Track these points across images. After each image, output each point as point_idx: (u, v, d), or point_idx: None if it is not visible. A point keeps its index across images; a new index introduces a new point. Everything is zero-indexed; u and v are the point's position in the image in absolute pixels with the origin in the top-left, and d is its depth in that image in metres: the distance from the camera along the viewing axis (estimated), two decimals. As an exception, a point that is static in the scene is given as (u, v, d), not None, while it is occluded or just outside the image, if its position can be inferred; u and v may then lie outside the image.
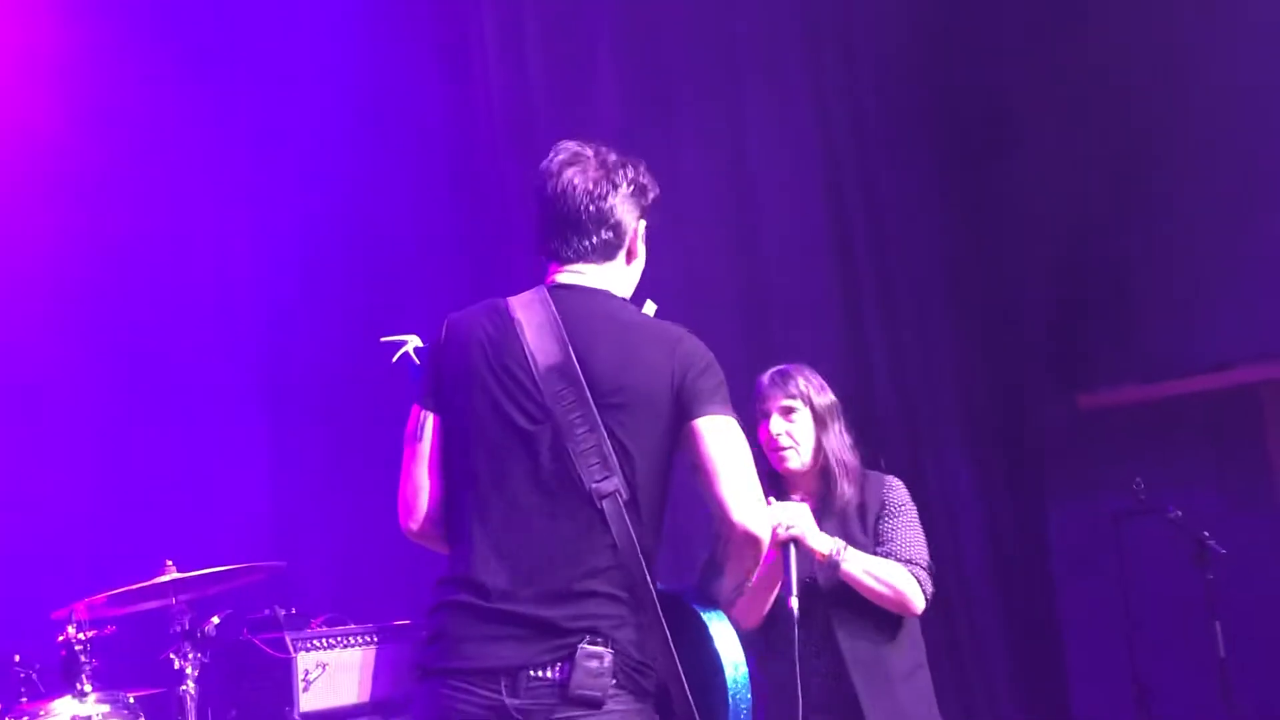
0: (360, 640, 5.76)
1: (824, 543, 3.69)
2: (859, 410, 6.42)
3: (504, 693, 2.74)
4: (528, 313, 2.93)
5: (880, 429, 6.48)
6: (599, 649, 2.75)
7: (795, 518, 3.61)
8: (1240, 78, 6.23)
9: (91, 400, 6.36)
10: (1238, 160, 6.31)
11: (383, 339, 3.43)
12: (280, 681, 5.51)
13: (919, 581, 3.76)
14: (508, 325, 2.93)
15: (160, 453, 6.42)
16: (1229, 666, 5.35)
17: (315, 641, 5.61)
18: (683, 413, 2.87)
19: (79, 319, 6.40)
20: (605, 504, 2.80)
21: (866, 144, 6.62)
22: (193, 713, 4.82)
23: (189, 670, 4.83)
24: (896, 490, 3.94)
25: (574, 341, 2.88)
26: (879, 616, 3.74)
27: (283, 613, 5.65)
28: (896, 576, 3.73)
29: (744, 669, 2.89)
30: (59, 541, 6.08)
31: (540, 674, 2.74)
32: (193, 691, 4.83)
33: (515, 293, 3.03)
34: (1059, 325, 6.59)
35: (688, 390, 2.87)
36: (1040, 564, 6.65)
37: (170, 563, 4.86)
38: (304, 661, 5.54)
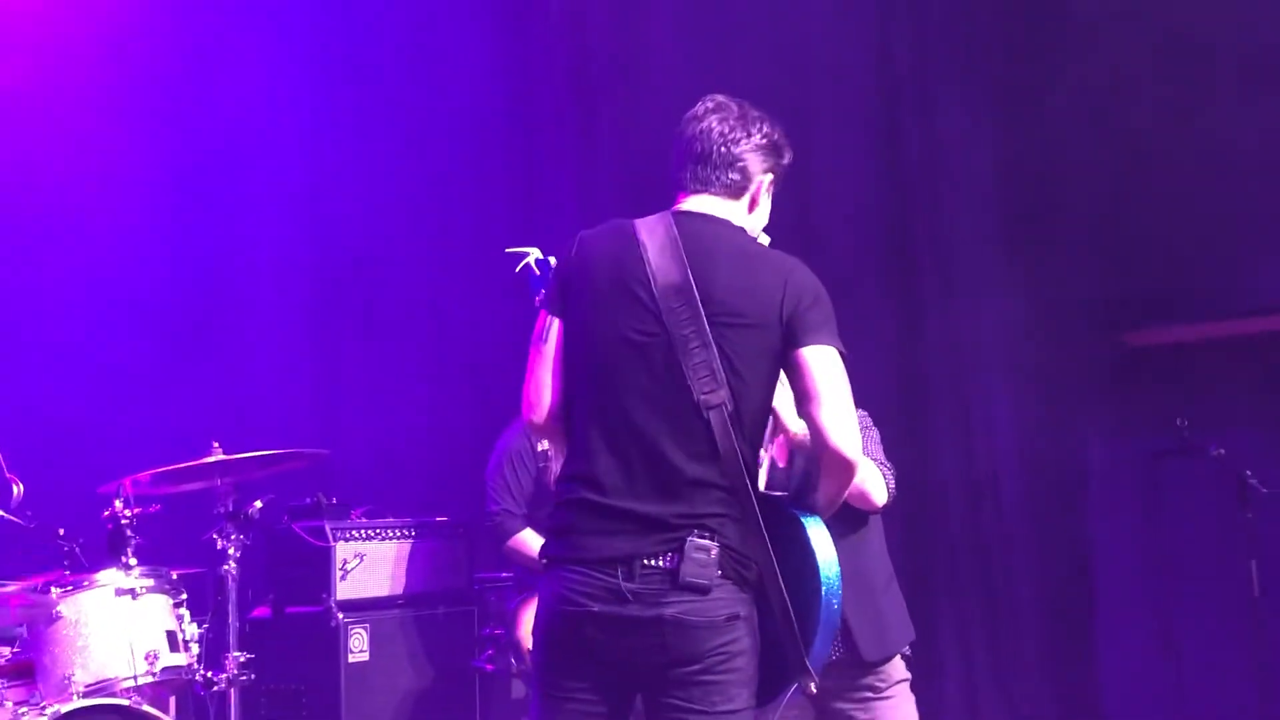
0: (398, 534, 5.84)
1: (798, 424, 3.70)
2: (906, 344, 6.52)
3: (620, 577, 2.99)
4: (651, 234, 3.13)
5: (925, 363, 6.47)
6: (706, 542, 2.99)
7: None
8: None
9: (150, 283, 6.45)
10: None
11: (507, 250, 3.64)
12: (319, 568, 5.60)
13: (884, 477, 3.80)
14: (632, 244, 3.13)
15: (212, 337, 6.52)
16: (1262, 607, 5.35)
17: (354, 532, 5.69)
18: (791, 339, 3.07)
19: (140, 205, 6.50)
20: (712, 415, 3.01)
21: (926, 74, 6.55)
22: (233, 592, 4.90)
23: (231, 551, 4.91)
24: (864, 419, 3.93)
25: (692, 263, 3.07)
26: (846, 524, 3.72)
27: (324, 501, 5.72)
28: (867, 466, 3.74)
29: (836, 567, 3.09)
30: (108, 420, 6.18)
31: (652, 562, 2.99)
32: (234, 572, 4.91)
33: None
34: (1108, 262, 6.51)
35: (798, 319, 3.06)
36: (1078, 501, 6.63)
37: (217, 444, 4.92)
38: (342, 551, 5.63)
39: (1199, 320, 6.38)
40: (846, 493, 3.16)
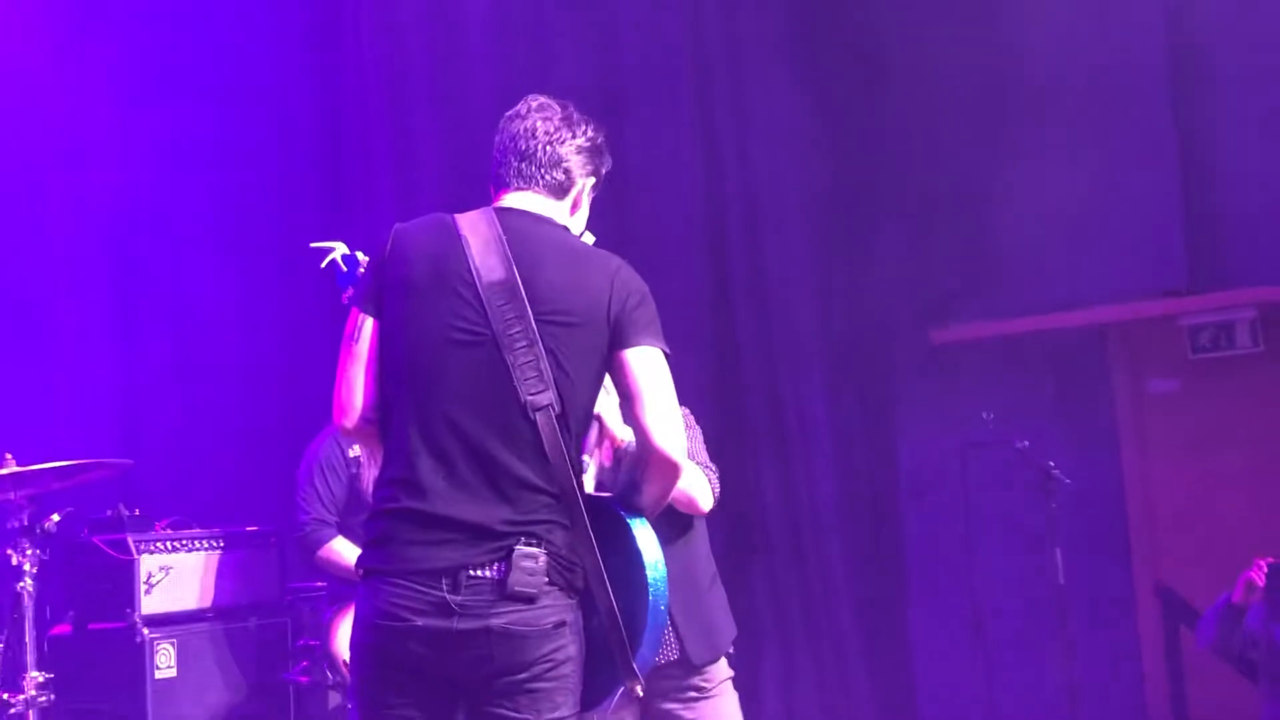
0: (205, 544, 5.66)
1: (624, 430, 3.70)
2: (719, 337, 6.57)
3: (445, 589, 2.90)
4: (473, 229, 3.05)
5: (739, 356, 6.53)
6: (533, 550, 2.92)
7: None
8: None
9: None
10: (1090, 107, 6.46)
11: (311, 245, 3.54)
12: (122, 583, 5.39)
13: (709, 481, 3.81)
14: (453, 240, 3.04)
15: (5, 343, 6.24)
16: (1067, 593, 5.53)
17: (159, 544, 5.50)
18: (616, 340, 3.03)
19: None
20: (539, 416, 2.95)
21: (741, 60, 6.61)
22: (30, 609, 4.69)
23: (27, 567, 4.71)
24: (687, 417, 3.93)
25: (518, 260, 3.01)
26: (673, 528, 3.74)
27: (126, 513, 5.52)
28: (691, 473, 3.73)
29: (663, 568, 3.07)
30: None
31: (479, 573, 2.91)
32: (30, 589, 4.71)
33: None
34: (917, 261, 6.68)
35: (624, 319, 3.03)
36: (889, 494, 6.78)
37: (10, 456, 4.71)
38: (147, 564, 5.43)
39: (1001, 318, 6.58)
40: (671, 496, 3.14)
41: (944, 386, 6.69)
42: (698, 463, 3.84)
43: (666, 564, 3.08)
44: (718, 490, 3.87)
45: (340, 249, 3.48)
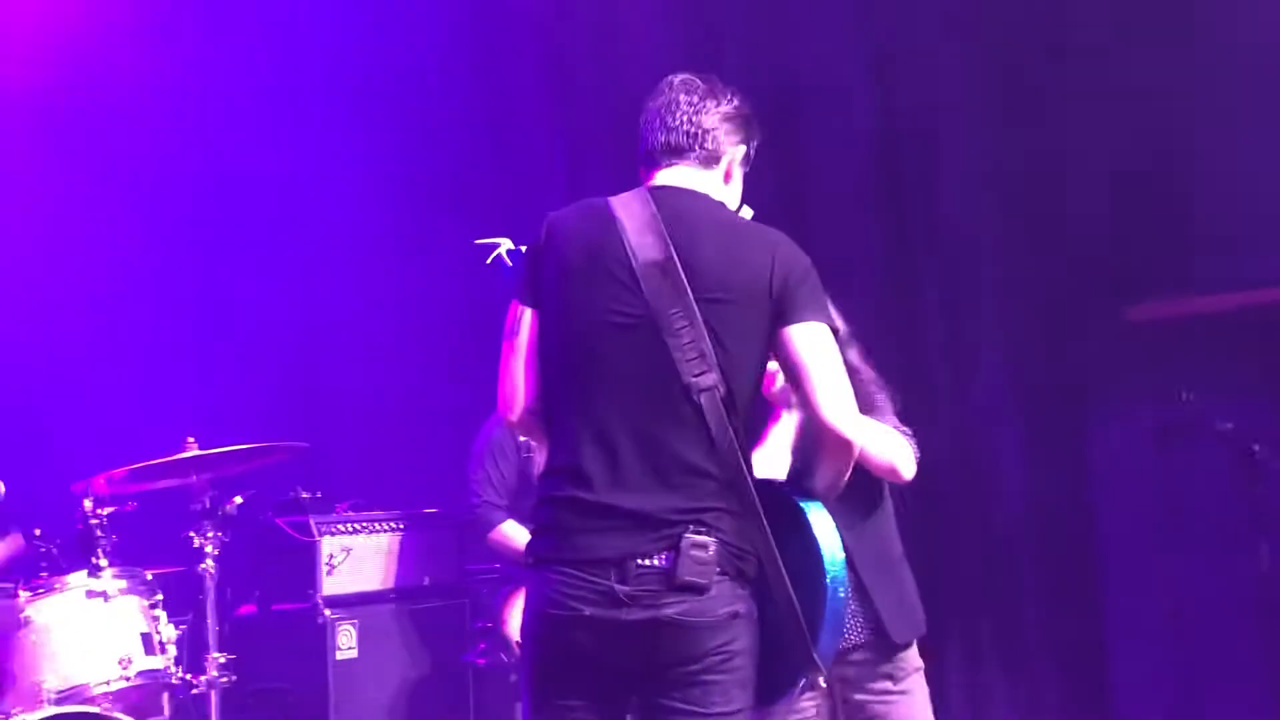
0: (385, 527, 5.73)
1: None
2: (900, 324, 6.40)
3: (613, 579, 2.85)
4: (628, 211, 2.99)
5: (921, 338, 6.35)
6: (703, 538, 2.84)
7: None
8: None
9: (124, 271, 6.37)
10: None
11: (477, 241, 3.52)
12: (304, 564, 5.49)
13: (910, 446, 3.65)
14: (608, 223, 2.98)
15: (190, 328, 6.42)
16: (1272, 582, 5.23)
17: (340, 526, 5.59)
18: (780, 317, 2.93)
19: (111, 198, 6.43)
20: (703, 398, 2.86)
21: (917, 35, 6.40)
22: (212, 591, 4.78)
23: (209, 549, 4.80)
24: (875, 378, 3.78)
25: (674, 239, 2.94)
26: (865, 502, 3.60)
27: (306, 495, 5.61)
28: (890, 436, 3.59)
29: (841, 557, 2.95)
30: (87, 416, 6.08)
31: (646, 562, 2.85)
32: (212, 570, 4.79)
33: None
34: (1108, 235, 6.40)
35: (788, 295, 2.93)
36: (1079, 480, 6.52)
37: (192, 439, 4.80)
38: (328, 545, 5.52)
39: (1202, 293, 6.26)
40: (848, 474, 3.02)
41: (1138, 365, 6.40)
42: (889, 425, 3.65)
43: (858, 539, 2.97)
44: (918, 455, 3.69)
45: (506, 244, 3.49)
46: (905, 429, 3.73)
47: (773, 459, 3.44)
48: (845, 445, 2.94)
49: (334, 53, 6.80)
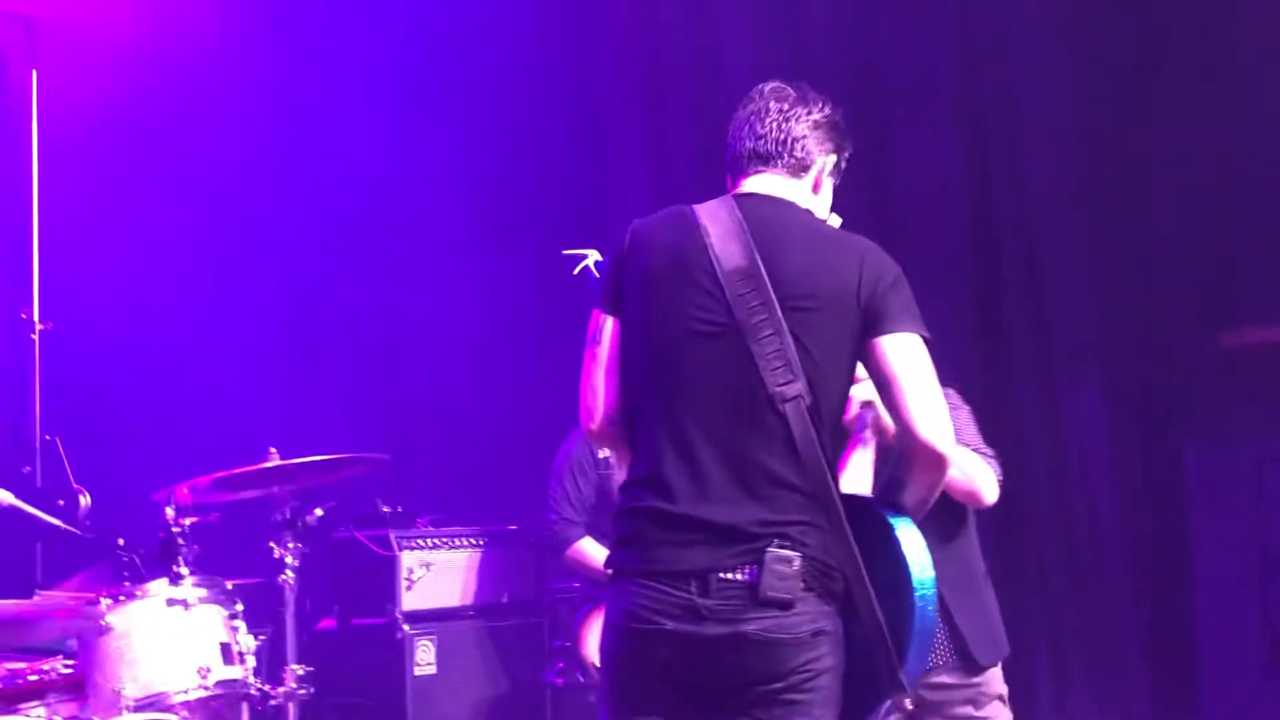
0: (466, 543, 5.72)
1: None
2: (988, 340, 6.28)
3: (694, 592, 2.79)
4: (713, 218, 2.96)
5: (1012, 360, 6.22)
6: (788, 552, 2.79)
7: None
8: None
9: (210, 281, 6.41)
10: None
11: (565, 252, 3.49)
12: (384, 578, 5.49)
13: (992, 469, 3.55)
14: (692, 230, 2.95)
15: (275, 338, 6.45)
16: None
17: (420, 541, 5.58)
18: (869, 326, 2.88)
19: (202, 206, 6.48)
20: (788, 408, 2.82)
21: (1009, 55, 6.29)
22: (291, 602, 4.79)
23: (289, 560, 4.82)
24: (952, 396, 3.67)
25: (760, 246, 2.90)
26: (949, 522, 3.53)
27: (387, 509, 5.61)
28: (970, 460, 3.50)
29: (931, 575, 2.86)
30: (171, 426, 6.12)
31: (730, 576, 2.79)
32: (291, 581, 4.80)
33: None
34: (1202, 257, 6.25)
35: (876, 304, 2.88)
36: (1175, 507, 6.35)
37: (274, 450, 4.80)
38: (408, 560, 5.51)
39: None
40: (949, 485, 2.97)
41: (1235, 393, 6.23)
42: (972, 448, 3.58)
43: (941, 559, 2.88)
44: (1000, 478, 3.60)
45: (594, 255, 3.46)
46: (988, 450, 3.65)
47: (854, 483, 3.37)
48: (938, 460, 2.86)
49: (425, 58, 6.82)
